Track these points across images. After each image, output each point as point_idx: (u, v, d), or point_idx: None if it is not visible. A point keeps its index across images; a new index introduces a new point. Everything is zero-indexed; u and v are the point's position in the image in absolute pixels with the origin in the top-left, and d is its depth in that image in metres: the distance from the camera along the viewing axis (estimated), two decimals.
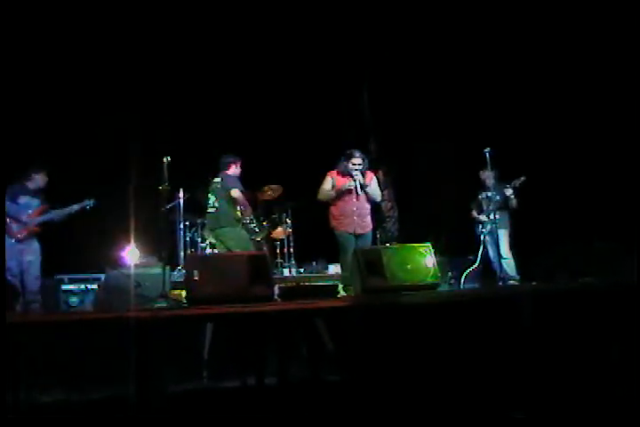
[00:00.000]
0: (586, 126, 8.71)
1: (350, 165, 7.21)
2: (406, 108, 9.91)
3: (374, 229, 7.58)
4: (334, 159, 7.43)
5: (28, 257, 7.25)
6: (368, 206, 7.29)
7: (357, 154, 7.25)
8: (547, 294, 4.64)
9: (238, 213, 7.86)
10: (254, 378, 5.03)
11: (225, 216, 7.83)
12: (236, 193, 7.67)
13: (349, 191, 7.16)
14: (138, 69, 9.60)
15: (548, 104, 9.05)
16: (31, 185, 7.42)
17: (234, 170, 7.94)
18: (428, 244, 5.66)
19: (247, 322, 5.03)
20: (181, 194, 9.06)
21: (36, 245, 7.35)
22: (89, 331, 4.87)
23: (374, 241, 7.63)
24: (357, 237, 7.15)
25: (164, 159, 6.76)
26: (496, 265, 8.01)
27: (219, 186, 7.87)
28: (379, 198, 7.48)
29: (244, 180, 8.18)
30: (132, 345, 4.71)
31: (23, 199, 7.31)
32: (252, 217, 8.13)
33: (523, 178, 7.91)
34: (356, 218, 7.14)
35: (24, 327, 4.59)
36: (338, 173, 7.33)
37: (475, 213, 8.36)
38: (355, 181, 7.13)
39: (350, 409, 4.35)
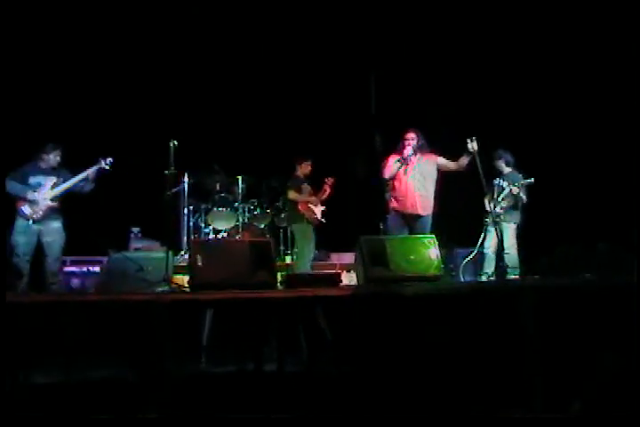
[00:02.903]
0: (591, 127, 8.69)
1: (404, 142, 7.13)
2: (413, 101, 9.86)
3: (380, 220, 7.52)
4: (338, 151, 7.45)
5: (46, 238, 7.12)
6: (426, 187, 7.13)
7: (410, 130, 7.19)
8: (548, 289, 4.62)
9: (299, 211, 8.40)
10: (252, 364, 5.04)
11: (290, 213, 8.56)
12: (289, 195, 8.36)
13: (402, 168, 7.10)
14: (145, 52, 9.58)
15: (553, 105, 9.02)
16: (43, 164, 7.31)
17: (301, 170, 8.43)
18: (432, 235, 5.65)
19: (248, 308, 5.03)
20: (186, 178, 9.03)
21: (55, 225, 7.18)
22: (90, 313, 4.87)
23: (379, 231, 7.52)
24: (417, 218, 7.06)
25: (171, 143, 6.75)
26: (489, 256, 7.97)
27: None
28: (455, 167, 7.18)
29: (243, 165, 8.28)
30: (132, 329, 4.71)
31: (34, 179, 7.17)
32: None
33: (529, 180, 7.84)
34: (420, 198, 7.06)
35: (24, 308, 4.59)
36: (395, 155, 7.25)
37: (486, 201, 8.25)
38: (404, 155, 7.08)
39: (347, 398, 4.35)
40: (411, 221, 7.08)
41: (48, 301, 4.78)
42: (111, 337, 4.84)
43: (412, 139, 7.13)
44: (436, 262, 5.46)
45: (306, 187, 8.40)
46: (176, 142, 6.72)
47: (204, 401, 4.40)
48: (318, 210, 8.37)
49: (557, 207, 8.63)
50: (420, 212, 7.06)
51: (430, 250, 5.48)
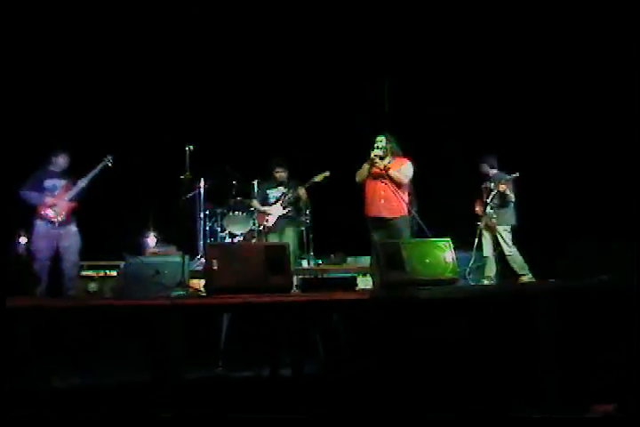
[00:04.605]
0: (602, 124, 8.64)
1: (373, 146, 7.11)
2: (426, 103, 9.85)
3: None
4: (350, 150, 7.45)
5: (64, 242, 7.19)
6: (392, 189, 6.93)
7: (380, 135, 7.16)
8: (565, 292, 4.60)
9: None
10: (269, 368, 5.04)
11: None
12: (251, 203, 8.66)
13: (371, 173, 7.05)
14: (162, 58, 9.61)
15: (568, 100, 8.99)
16: (54, 168, 7.39)
17: (276, 175, 8.34)
18: (448, 238, 5.64)
19: (264, 312, 5.03)
20: (202, 183, 9.06)
21: (73, 229, 7.26)
22: (107, 318, 4.90)
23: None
24: (386, 221, 6.95)
25: (187, 148, 6.78)
26: (490, 261, 7.95)
27: None
28: (403, 181, 7.00)
29: (259, 170, 8.33)
30: (148, 333, 4.73)
31: (49, 182, 7.27)
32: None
33: (514, 175, 7.84)
34: (382, 201, 6.98)
35: (42, 312, 4.62)
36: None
37: (476, 205, 8.27)
38: (371, 158, 7.02)
39: (363, 401, 4.35)
40: (381, 226, 6.98)
41: (66, 306, 4.81)
42: (127, 341, 4.87)
43: (380, 142, 7.13)
44: (451, 266, 5.44)
45: (278, 191, 8.35)
46: (192, 147, 6.75)
47: (220, 405, 4.41)
48: (272, 218, 8.24)
49: (568, 207, 8.58)
50: (385, 214, 6.97)
51: (446, 253, 5.47)
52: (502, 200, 7.92)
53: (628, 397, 3.91)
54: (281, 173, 8.30)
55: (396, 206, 6.97)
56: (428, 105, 9.78)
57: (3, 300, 4.27)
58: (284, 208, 8.21)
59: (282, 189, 8.32)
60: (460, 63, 9.59)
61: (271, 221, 8.21)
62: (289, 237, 8.10)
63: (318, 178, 8.12)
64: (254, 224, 8.87)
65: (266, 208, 8.28)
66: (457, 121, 9.70)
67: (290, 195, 8.20)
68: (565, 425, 3.86)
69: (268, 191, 8.38)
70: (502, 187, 7.79)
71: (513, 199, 7.90)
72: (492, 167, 8.18)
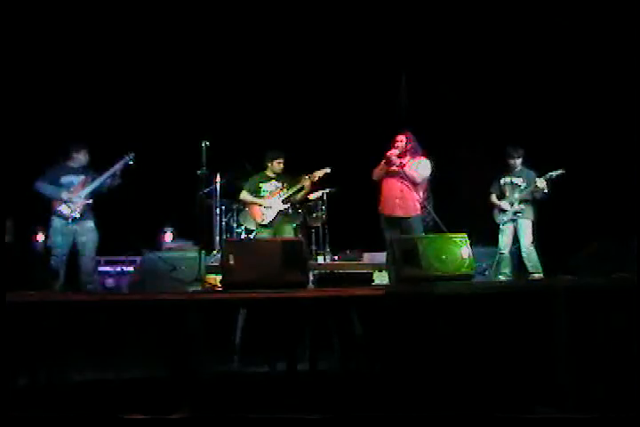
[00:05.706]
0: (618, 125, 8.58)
1: (393, 145, 7.08)
2: (444, 99, 9.82)
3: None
4: (368, 146, 7.45)
5: (81, 238, 7.19)
6: (408, 188, 6.93)
7: (400, 134, 7.15)
8: (583, 289, 4.58)
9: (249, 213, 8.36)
10: (285, 364, 5.05)
11: (243, 214, 8.80)
12: (240, 195, 8.22)
13: (387, 171, 7.03)
14: (175, 52, 9.63)
15: (588, 96, 8.93)
16: (74, 164, 7.39)
17: (271, 167, 8.09)
18: (464, 234, 5.62)
19: (281, 308, 5.04)
20: (218, 179, 9.07)
21: (89, 224, 7.24)
22: (123, 312, 4.92)
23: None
24: (400, 220, 6.96)
25: (203, 144, 6.80)
26: (505, 256, 7.84)
27: None
28: (416, 180, 6.97)
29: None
30: (165, 328, 4.76)
31: (66, 179, 7.25)
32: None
33: (561, 171, 7.70)
34: (397, 200, 6.97)
35: (60, 307, 4.65)
36: None
37: (494, 199, 8.10)
38: (388, 157, 7.00)
39: (379, 397, 4.35)
40: (395, 224, 6.99)
41: (83, 300, 4.84)
42: (144, 337, 4.89)
43: (400, 141, 7.09)
44: (467, 261, 5.42)
45: (272, 184, 8.15)
46: (208, 143, 6.77)
47: (236, 401, 4.42)
48: (271, 212, 8.01)
49: (586, 202, 8.51)
50: (399, 213, 6.97)
51: (462, 249, 5.45)
52: (532, 197, 7.79)
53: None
54: (281, 165, 8.10)
55: (410, 205, 6.98)
56: (445, 100, 9.76)
57: (3, 295, 4.29)
58: (283, 202, 8.06)
59: (275, 183, 8.14)
60: (477, 59, 9.56)
61: (270, 215, 8.00)
62: (287, 233, 8.01)
63: (320, 173, 8.05)
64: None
65: (262, 201, 8.04)
66: (476, 116, 9.67)
67: (293, 189, 8.08)
68: (580, 425, 3.85)
69: (260, 184, 8.16)
70: (542, 182, 7.64)
71: (544, 197, 7.74)
72: (521, 162, 8.02)
